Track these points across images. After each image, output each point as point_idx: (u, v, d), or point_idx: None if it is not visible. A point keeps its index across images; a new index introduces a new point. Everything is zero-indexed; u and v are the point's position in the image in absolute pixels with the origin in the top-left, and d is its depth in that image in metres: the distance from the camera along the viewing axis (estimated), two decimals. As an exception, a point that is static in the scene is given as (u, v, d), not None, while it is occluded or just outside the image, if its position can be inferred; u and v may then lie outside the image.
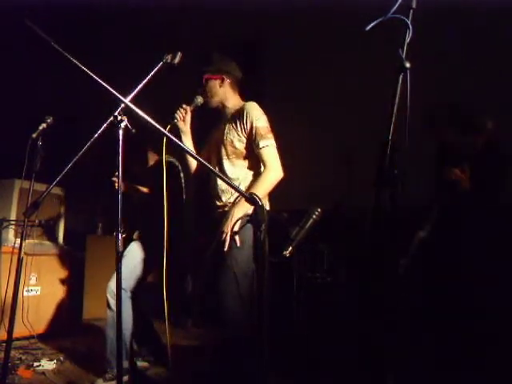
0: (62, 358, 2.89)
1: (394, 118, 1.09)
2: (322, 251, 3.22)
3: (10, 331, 1.84)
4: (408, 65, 1.05)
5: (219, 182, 2.10)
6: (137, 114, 1.35)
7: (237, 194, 1.98)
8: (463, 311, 2.25)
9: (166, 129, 1.95)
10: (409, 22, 1.05)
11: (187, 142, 2.21)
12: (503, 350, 2.15)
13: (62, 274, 3.66)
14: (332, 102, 3.68)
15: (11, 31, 3.39)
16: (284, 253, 1.84)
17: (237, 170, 2.10)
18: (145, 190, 2.68)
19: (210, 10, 4.30)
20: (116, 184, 2.55)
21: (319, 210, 1.86)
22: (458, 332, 2.23)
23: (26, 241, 3.25)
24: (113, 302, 2.39)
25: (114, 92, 1.36)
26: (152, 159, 2.84)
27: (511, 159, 2.48)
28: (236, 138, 2.09)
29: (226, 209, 2.04)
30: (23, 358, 2.87)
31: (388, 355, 1.25)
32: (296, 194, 3.03)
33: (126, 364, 2.42)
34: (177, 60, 1.87)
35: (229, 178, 2.03)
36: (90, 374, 2.59)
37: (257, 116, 2.05)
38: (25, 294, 3.25)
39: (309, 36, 3.86)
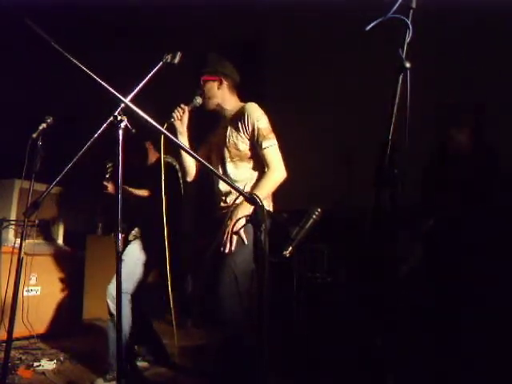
0: (61, 358, 2.90)
1: (393, 118, 1.09)
2: (322, 251, 3.22)
3: (9, 331, 1.84)
4: (408, 65, 1.05)
5: (223, 183, 2.10)
6: (137, 113, 1.35)
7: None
8: (463, 311, 2.25)
9: (163, 127, 1.95)
10: (409, 22, 1.05)
11: (183, 143, 2.18)
12: (503, 349, 2.15)
13: (62, 274, 3.65)
14: (332, 101, 3.68)
15: (11, 31, 3.39)
16: (284, 253, 1.84)
17: (241, 172, 2.09)
18: (139, 192, 2.65)
19: (209, 10, 4.30)
20: (108, 187, 2.55)
21: (319, 209, 1.86)
22: (458, 332, 2.24)
23: (26, 241, 3.25)
24: (113, 307, 2.38)
25: (114, 92, 1.36)
26: (153, 155, 2.83)
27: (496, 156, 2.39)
28: (239, 141, 2.08)
29: (231, 209, 2.03)
30: (23, 357, 2.87)
31: (388, 355, 1.25)
32: (296, 194, 3.03)
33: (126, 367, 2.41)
34: (177, 60, 1.87)
35: (233, 181, 2.03)
36: (90, 374, 2.59)
37: (258, 117, 2.05)
38: (25, 294, 3.25)
39: (309, 36, 3.86)
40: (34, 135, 2.29)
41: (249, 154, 2.10)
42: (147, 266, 2.57)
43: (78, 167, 1.66)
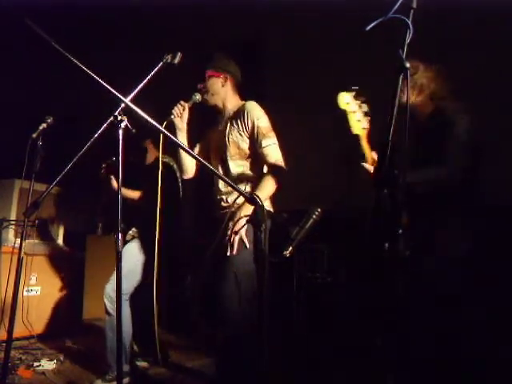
0: (61, 358, 2.90)
1: (393, 119, 1.09)
2: (321, 251, 3.22)
3: (9, 331, 1.84)
4: (408, 65, 1.05)
5: (222, 183, 2.10)
6: (137, 113, 1.35)
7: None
8: (463, 311, 2.25)
9: (162, 125, 1.95)
10: (409, 22, 1.05)
11: (182, 139, 2.19)
12: (503, 349, 2.15)
13: (62, 274, 3.66)
14: (332, 102, 3.68)
15: (11, 31, 3.39)
16: (284, 253, 1.84)
17: (242, 170, 2.09)
18: (132, 194, 2.65)
19: (210, 10, 4.30)
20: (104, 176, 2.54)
21: (319, 210, 1.86)
22: (458, 332, 2.23)
23: (26, 241, 3.25)
24: (110, 306, 2.39)
25: (114, 92, 1.36)
26: (152, 155, 2.82)
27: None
28: (240, 139, 2.08)
29: (233, 209, 2.03)
30: (23, 357, 2.87)
31: (388, 355, 1.25)
32: (296, 194, 3.03)
33: (126, 368, 2.41)
34: (177, 60, 1.87)
35: (234, 180, 2.02)
36: (89, 374, 2.59)
37: (258, 115, 2.06)
38: (25, 293, 3.26)
39: (309, 36, 3.86)
40: (34, 135, 2.29)
41: (249, 152, 2.09)
42: (146, 265, 2.56)
43: (78, 167, 1.66)
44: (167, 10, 4.44)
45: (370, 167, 1.72)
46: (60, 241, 3.90)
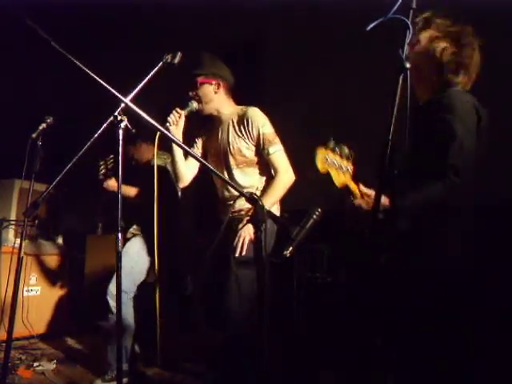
0: (61, 358, 2.90)
1: (393, 119, 1.09)
2: (321, 251, 3.22)
3: (9, 331, 1.84)
4: (408, 65, 1.05)
5: (230, 189, 2.07)
6: (137, 113, 1.35)
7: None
8: (463, 311, 2.25)
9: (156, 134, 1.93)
10: (409, 23, 1.05)
11: (176, 148, 2.10)
12: (504, 348, 2.15)
13: (62, 273, 3.66)
14: (332, 102, 3.68)
15: (11, 31, 3.39)
16: (284, 253, 1.84)
17: (249, 178, 2.08)
18: (131, 191, 2.63)
19: (210, 10, 4.30)
20: (105, 182, 2.53)
21: (319, 210, 1.86)
22: (458, 332, 2.23)
23: (26, 241, 3.25)
24: (114, 305, 2.38)
25: (114, 92, 1.36)
26: (148, 151, 2.79)
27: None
28: (244, 147, 2.06)
29: (242, 213, 2.02)
30: (23, 358, 2.87)
31: (388, 355, 1.25)
32: (296, 194, 3.03)
33: (126, 367, 2.41)
34: (177, 60, 1.87)
35: (241, 187, 1.99)
36: (89, 374, 2.59)
37: (262, 123, 2.04)
38: (25, 293, 3.26)
39: (309, 36, 3.86)
40: (34, 135, 2.29)
41: (255, 159, 2.08)
42: (147, 264, 2.56)
43: (78, 167, 1.66)
44: (167, 10, 4.44)
45: (363, 201, 1.64)
46: (60, 241, 3.90)
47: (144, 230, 2.61)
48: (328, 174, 1.56)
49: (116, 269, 1.43)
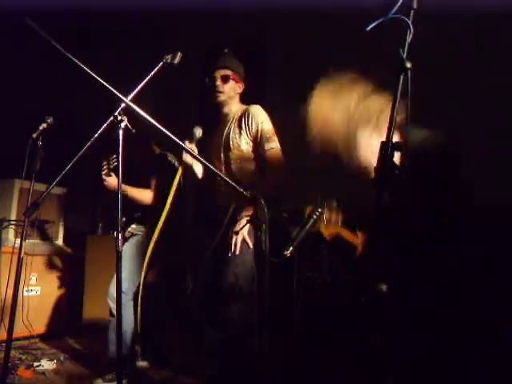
0: (62, 358, 2.90)
1: (394, 119, 1.09)
2: (322, 251, 3.22)
3: (9, 331, 1.84)
4: (409, 65, 1.05)
5: (223, 183, 2.09)
6: (138, 113, 1.35)
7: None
8: (463, 311, 2.25)
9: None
10: (410, 23, 1.05)
11: (198, 169, 2.21)
12: (504, 348, 2.15)
13: (62, 273, 3.66)
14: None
15: (11, 31, 3.39)
16: (284, 253, 1.84)
17: (245, 173, 2.10)
18: (138, 195, 2.62)
19: (210, 10, 4.30)
20: (106, 180, 2.52)
21: (319, 210, 1.86)
22: (458, 331, 2.23)
23: (26, 241, 3.25)
24: (114, 308, 2.37)
25: (115, 91, 1.36)
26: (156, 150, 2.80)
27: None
28: (243, 142, 2.10)
29: (242, 214, 2.03)
30: (23, 357, 2.87)
31: (388, 355, 1.25)
32: (296, 193, 3.03)
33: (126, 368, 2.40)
34: (177, 60, 1.87)
35: (236, 181, 2.01)
36: (90, 374, 2.59)
37: (262, 119, 2.09)
38: (25, 293, 3.25)
39: (309, 36, 3.86)
40: (34, 135, 2.29)
41: (252, 155, 2.11)
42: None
43: (78, 167, 1.66)
44: (167, 10, 4.43)
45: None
46: (60, 241, 3.90)
47: (142, 229, 2.60)
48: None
49: (116, 268, 1.43)
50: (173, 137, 1.43)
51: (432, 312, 1.56)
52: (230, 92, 2.18)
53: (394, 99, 1.08)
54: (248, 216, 1.87)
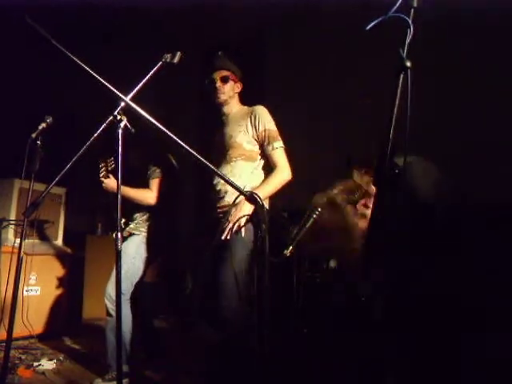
0: (61, 358, 2.90)
1: (394, 119, 1.09)
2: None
3: (9, 331, 1.83)
4: (409, 64, 1.05)
5: (223, 182, 2.10)
6: (137, 112, 1.35)
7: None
8: (463, 311, 2.24)
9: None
10: (410, 22, 1.05)
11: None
12: (504, 347, 2.15)
13: (62, 273, 3.65)
14: (332, 102, 3.68)
15: (11, 31, 3.39)
16: (284, 252, 1.84)
17: (244, 171, 2.12)
18: (135, 195, 2.61)
19: (210, 10, 4.30)
20: (104, 182, 2.51)
21: (319, 209, 1.86)
22: (458, 332, 2.23)
23: (26, 240, 3.24)
24: (111, 307, 2.37)
25: (115, 90, 1.36)
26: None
27: None
28: (245, 141, 2.12)
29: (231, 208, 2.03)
30: (23, 357, 2.87)
31: (388, 355, 1.25)
32: (296, 193, 3.03)
33: (126, 368, 2.39)
34: (176, 59, 1.87)
35: (235, 180, 2.00)
36: (89, 374, 2.59)
37: (269, 119, 2.14)
38: (24, 293, 3.25)
39: (309, 36, 3.86)
40: (34, 135, 2.29)
41: (254, 154, 2.14)
42: (144, 262, 2.55)
43: (77, 167, 1.66)
44: (167, 10, 4.43)
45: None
46: (60, 240, 3.90)
47: (141, 229, 2.59)
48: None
49: (116, 268, 1.42)
50: (173, 136, 1.43)
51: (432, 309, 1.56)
52: (229, 92, 2.23)
53: (393, 98, 1.07)
54: (246, 215, 1.89)
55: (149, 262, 2.58)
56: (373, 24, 1.06)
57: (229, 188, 2.08)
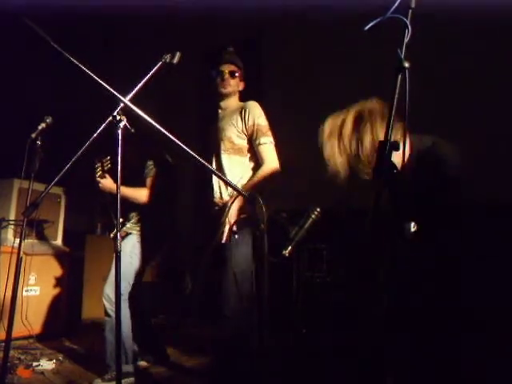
0: (61, 358, 2.90)
1: (392, 119, 1.09)
2: (321, 251, 3.22)
3: (9, 331, 1.84)
4: (407, 64, 1.05)
5: (220, 180, 2.12)
6: (136, 113, 1.35)
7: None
8: (463, 311, 2.24)
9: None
10: (408, 22, 1.05)
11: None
12: (504, 347, 2.15)
13: (62, 273, 3.65)
14: (332, 102, 3.68)
15: (11, 31, 3.39)
16: (283, 252, 1.84)
17: (235, 165, 2.14)
18: (133, 194, 2.60)
19: (210, 10, 4.30)
20: (101, 183, 2.50)
21: (318, 209, 1.86)
22: (458, 332, 2.23)
23: (26, 240, 3.25)
24: (109, 308, 2.37)
25: (114, 91, 1.36)
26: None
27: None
28: (235, 134, 2.14)
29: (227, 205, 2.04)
30: (22, 357, 2.87)
31: (388, 355, 1.25)
32: (296, 193, 3.03)
33: (126, 368, 2.38)
34: (176, 60, 1.87)
35: (226, 174, 2.08)
36: (89, 374, 2.59)
37: (258, 114, 2.13)
38: (24, 293, 3.25)
39: (309, 36, 3.86)
40: (34, 135, 2.29)
41: (244, 148, 2.15)
42: (141, 262, 2.55)
43: (77, 167, 1.66)
44: (167, 10, 4.44)
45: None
46: (59, 241, 3.90)
47: (138, 228, 2.58)
48: None
49: (115, 269, 1.42)
50: (171, 137, 1.43)
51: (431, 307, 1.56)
52: (235, 86, 2.25)
53: (391, 98, 1.07)
54: (244, 215, 1.90)
55: (147, 261, 2.57)
56: (371, 24, 1.06)
57: (225, 186, 2.11)
